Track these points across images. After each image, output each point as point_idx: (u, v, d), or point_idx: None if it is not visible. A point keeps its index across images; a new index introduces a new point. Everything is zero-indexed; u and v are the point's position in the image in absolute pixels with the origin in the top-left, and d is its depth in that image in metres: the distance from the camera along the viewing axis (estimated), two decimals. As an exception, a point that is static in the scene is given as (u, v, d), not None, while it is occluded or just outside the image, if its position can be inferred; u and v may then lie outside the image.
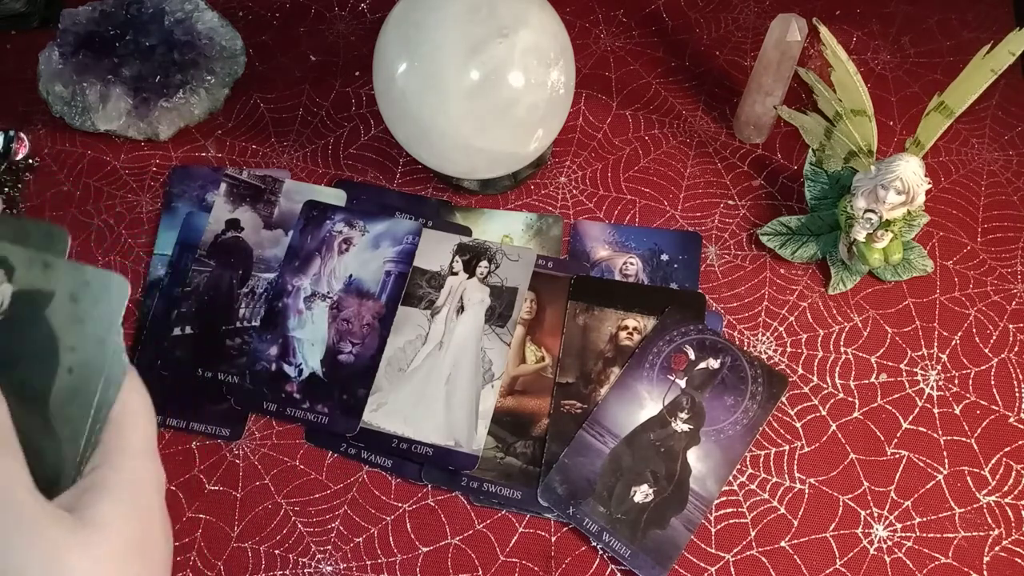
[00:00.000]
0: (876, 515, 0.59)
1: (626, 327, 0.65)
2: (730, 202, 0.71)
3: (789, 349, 0.65)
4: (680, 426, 0.61)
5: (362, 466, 0.62)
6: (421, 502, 0.61)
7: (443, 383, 0.64)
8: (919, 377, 0.64)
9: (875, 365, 0.64)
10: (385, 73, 0.62)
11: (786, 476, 0.61)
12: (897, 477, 0.61)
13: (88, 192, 0.74)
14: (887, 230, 0.62)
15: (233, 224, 0.70)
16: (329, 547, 0.60)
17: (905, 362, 0.64)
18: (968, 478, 0.60)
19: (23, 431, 0.30)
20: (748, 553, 0.59)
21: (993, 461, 0.61)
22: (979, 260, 0.68)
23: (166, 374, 0.65)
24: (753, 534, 0.59)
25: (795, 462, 0.61)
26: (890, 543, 0.59)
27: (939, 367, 0.64)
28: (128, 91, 0.74)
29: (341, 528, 0.61)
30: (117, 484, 0.31)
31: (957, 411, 0.63)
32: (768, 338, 0.66)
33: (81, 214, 0.73)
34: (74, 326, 0.32)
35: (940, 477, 0.61)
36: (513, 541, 0.60)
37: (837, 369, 0.64)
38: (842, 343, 0.65)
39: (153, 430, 0.35)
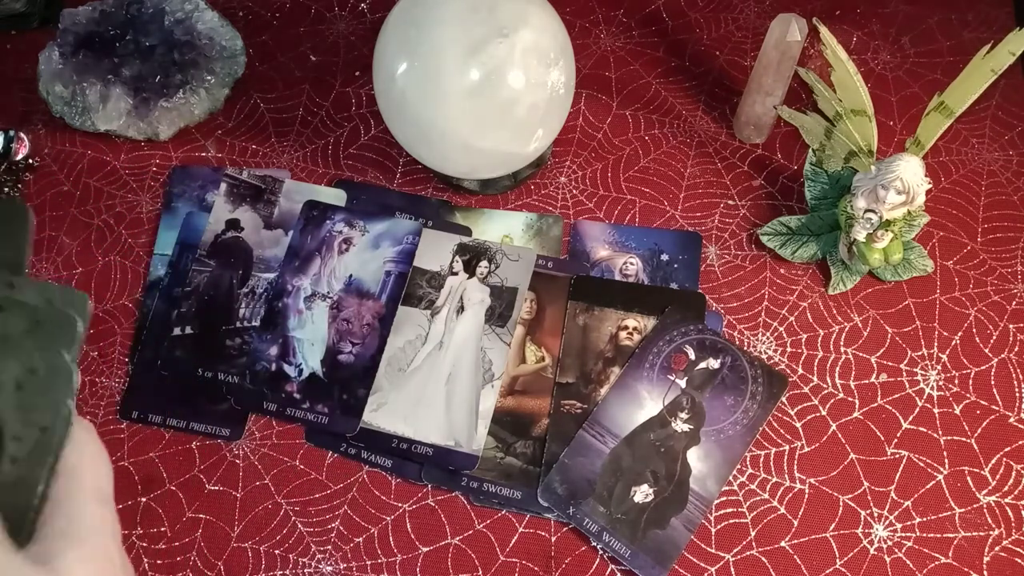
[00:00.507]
0: (876, 515, 0.59)
1: (626, 327, 0.65)
2: (730, 202, 0.71)
3: (789, 349, 0.65)
4: (680, 426, 0.61)
5: (362, 466, 0.62)
6: (421, 502, 0.61)
7: (443, 383, 0.64)
8: (919, 377, 0.64)
9: (875, 365, 0.64)
10: (385, 73, 0.62)
11: (786, 476, 0.61)
12: (897, 477, 0.61)
13: (88, 192, 0.74)
14: (887, 230, 0.62)
15: (233, 224, 0.70)
16: (329, 547, 0.60)
17: (905, 362, 0.64)
18: (968, 478, 0.60)
19: None
20: (748, 553, 0.59)
21: (993, 461, 0.61)
22: (979, 260, 0.68)
23: (166, 374, 0.65)
24: (753, 534, 0.59)
25: (795, 462, 0.61)
26: (890, 543, 0.59)
27: (939, 367, 0.64)
28: (128, 91, 0.74)
29: (341, 528, 0.61)
30: (76, 534, 0.31)
31: (957, 411, 0.63)
32: (768, 338, 0.66)
33: (81, 214, 0.73)
34: (19, 415, 0.31)
35: (940, 477, 0.61)
36: (513, 541, 0.60)
37: (837, 369, 0.64)
38: (842, 343, 0.65)
39: (109, 477, 0.34)
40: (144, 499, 0.61)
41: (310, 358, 0.65)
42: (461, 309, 0.66)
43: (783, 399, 0.63)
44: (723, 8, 0.81)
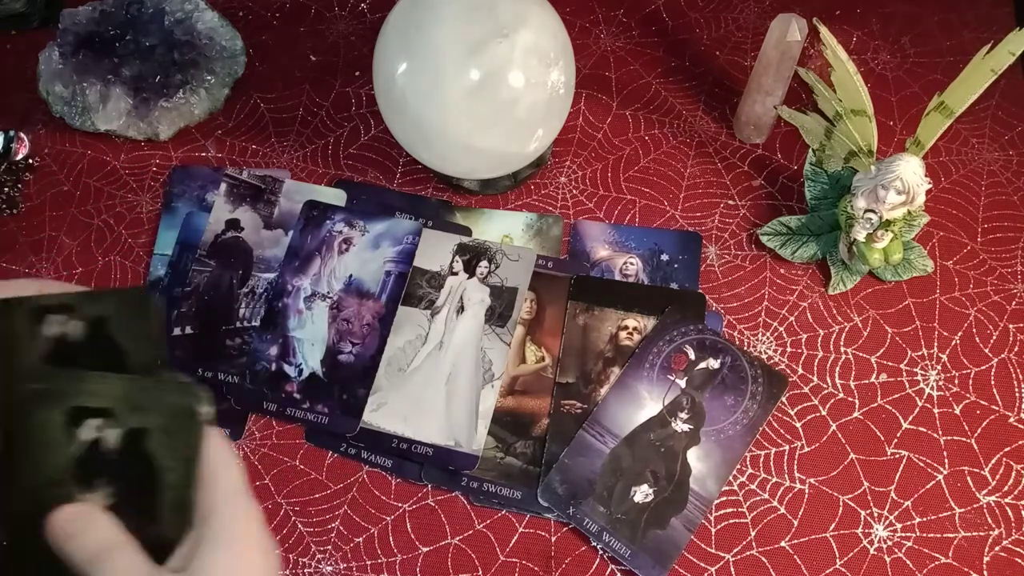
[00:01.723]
0: (876, 515, 0.59)
1: (626, 327, 0.65)
2: (730, 202, 0.71)
3: (789, 349, 0.65)
4: (680, 426, 0.61)
5: (362, 466, 0.62)
6: (421, 502, 0.61)
7: (443, 383, 0.63)
8: (919, 377, 0.64)
9: (875, 365, 0.64)
10: (385, 73, 0.62)
11: (786, 476, 0.61)
12: (897, 477, 0.61)
13: (88, 192, 0.74)
14: (887, 230, 0.62)
15: (233, 224, 0.70)
16: (329, 547, 0.60)
17: (905, 362, 0.64)
18: (968, 478, 0.60)
19: (140, 538, 0.37)
20: (748, 553, 0.59)
21: (993, 461, 0.61)
22: (979, 260, 0.68)
23: None
24: (753, 534, 0.59)
25: (795, 462, 0.61)
26: (890, 543, 0.59)
27: (939, 367, 0.64)
28: (128, 91, 0.74)
29: (341, 528, 0.61)
30: (215, 535, 0.37)
31: (957, 411, 0.63)
32: (768, 338, 0.66)
33: (81, 214, 0.73)
34: (168, 451, 0.39)
35: (940, 477, 0.61)
36: (513, 541, 0.60)
37: (837, 369, 0.64)
38: (842, 343, 0.65)
39: (240, 472, 0.41)
40: (144, 499, 0.61)
41: (310, 358, 0.65)
42: (461, 309, 0.66)
43: (783, 399, 0.63)
44: (723, 8, 0.81)
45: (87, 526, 0.37)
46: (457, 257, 0.68)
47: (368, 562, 0.59)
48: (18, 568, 0.39)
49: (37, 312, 0.43)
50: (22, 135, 0.74)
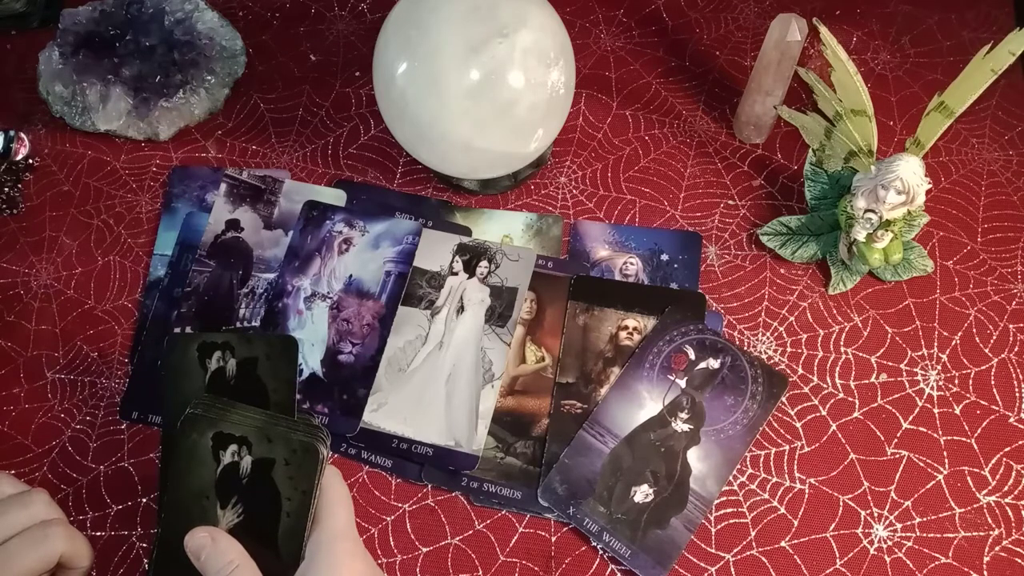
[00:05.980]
0: (876, 515, 0.59)
1: (626, 327, 0.65)
2: (730, 202, 0.71)
3: (789, 349, 0.65)
4: (680, 426, 0.61)
5: (362, 466, 0.62)
6: (421, 502, 0.61)
7: (443, 383, 0.64)
8: (919, 377, 0.64)
9: (875, 365, 0.64)
10: (385, 73, 0.62)
11: (786, 476, 0.61)
12: (897, 477, 0.61)
13: (88, 192, 0.74)
14: (887, 230, 0.62)
15: (233, 224, 0.70)
16: (329, 547, 0.60)
17: (905, 362, 0.64)
18: (968, 478, 0.60)
19: (258, 562, 0.44)
20: (748, 553, 0.59)
21: (993, 461, 0.61)
22: (979, 260, 0.68)
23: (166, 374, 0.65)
24: (753, 534, 0.59)
25: (795, 462, 0.61)
26: (890, 543, 0.59)
27: (939, 367, 0.64)
28: (128, 91, 0.74)
29: (341, 528, 0.60)
30: (318, 572, 0.42)
31: (957, 411, 0.63)
32: (768, 338, 0.66)
33: (81, 214, 0.73)
34: (288, 482, 0.45)
35: (940, 477, 0.61)
36: (513, 541, 0.60)
37: (837, 369, 0.64)
38: (842, 343, 0.65)
39: (350, 513, 0.46)
40: (144, 499, 0.61)
41: (310, 358, 0.65)
42: (461, 309, 0.66)
43: (783, 399, 0.63)
44: (723, 8, 0.81)
45: (217, 544, 0.44)
46: (457, 257, 0.68)
47: (368, 562, 0.59)
48: (163, 555, 0.46)
49: (208, 348, 0.50)
50: (22, 135, 0.74)
